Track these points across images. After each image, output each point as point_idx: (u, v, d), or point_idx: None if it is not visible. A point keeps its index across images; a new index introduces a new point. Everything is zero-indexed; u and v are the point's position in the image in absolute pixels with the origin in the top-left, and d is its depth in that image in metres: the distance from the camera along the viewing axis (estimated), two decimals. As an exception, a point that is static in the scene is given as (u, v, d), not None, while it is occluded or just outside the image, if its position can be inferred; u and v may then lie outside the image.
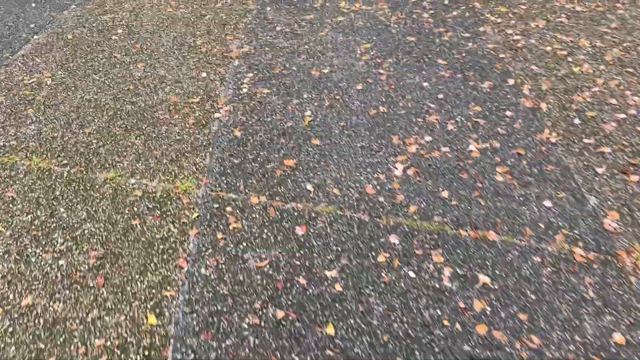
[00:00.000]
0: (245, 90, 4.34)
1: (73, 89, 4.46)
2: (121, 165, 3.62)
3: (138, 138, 3.87)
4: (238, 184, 3.44)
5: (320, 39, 4.95)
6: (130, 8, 5.68)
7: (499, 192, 3.25)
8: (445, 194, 3.25)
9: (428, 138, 3.70)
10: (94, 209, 3.29)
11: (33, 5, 5.85)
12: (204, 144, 3.80)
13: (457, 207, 3.16)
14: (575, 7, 5.15)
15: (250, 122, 3.98)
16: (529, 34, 4.80)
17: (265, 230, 3.09)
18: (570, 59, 4.45)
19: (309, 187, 3.37)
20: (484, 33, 4.85)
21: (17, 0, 5.98)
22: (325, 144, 3.73)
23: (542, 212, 3.11)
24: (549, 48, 4.56)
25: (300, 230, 3.07)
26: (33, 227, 3.18)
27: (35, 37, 5.28)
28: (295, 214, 3.19)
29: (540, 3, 5.27)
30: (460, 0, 5.42)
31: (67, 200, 3.37)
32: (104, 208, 3.29)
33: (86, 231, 3.15)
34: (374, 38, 4.92)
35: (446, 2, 5.38)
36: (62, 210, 3.30)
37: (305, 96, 4.22)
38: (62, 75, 4.64)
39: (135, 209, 3.28)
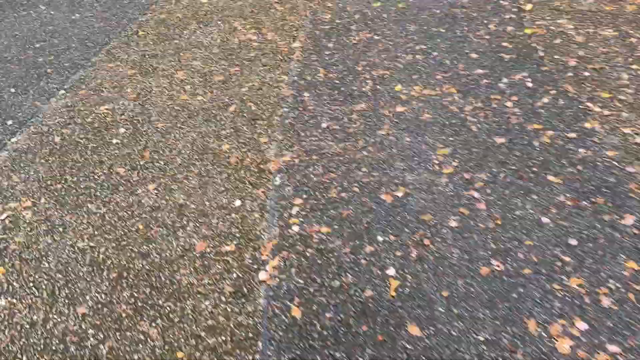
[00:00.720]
0: (296, 228, 3.11)
1: (61, 229, 3.20)
2: (131, 383, 2.38)
3: (154, 324, 2.61)
4: (313, 423, 2.20)
5: (381, 141, 3.75)
6: (133, 94, 4.45)
7: None
8: None
9: (582, 325, 2.47)
10: None
11: (12, 90, 4.61)
12: (250, 334, 2.55)
13: None
14: (695, 90, 4.01)
15: (311, 290, 2.74)
16: (652, 132, 3.64)
17: None
18: None
19: None
20: (593, 132, 3.67)
21: (-6, 83, 4.76)
22: (429, 334, 2.50)
23: None
24: (690, 157, 3.40)
25: None
26: None
27: (13, 139, 4.01)
28: None
29: (648, 83, 4.13)
30: (547, 81, 4.26)
31: None
32: None
33: None
34: (451, 139, 3.72)
35: (529, 84, 4.22)
36: None
37: (380, 239, 3.00)
38: (47, 205, 3.38)
39: None
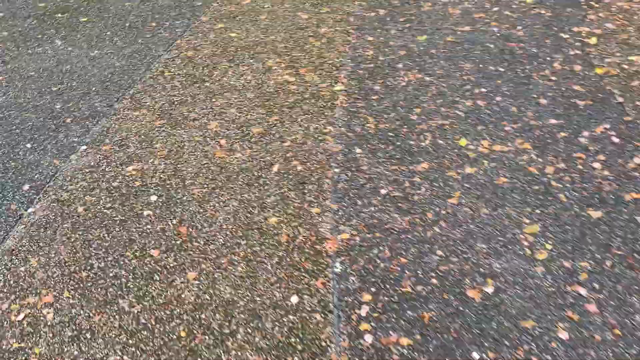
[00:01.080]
0: (369, 339, 2.55)
1: (89, 335, 2.66)
2: None
3: None
4: None
5: (454, 213, 3.20)
6: (164, 151, 3.91)
7: None
8: None
9: None
10: None
11: (28, 146, 4.09)
12: None
13: None
14: None
15: None
16: None
17: None
18: None
19: None
20: None
21: (7, 138, 4.22)
22: None
23: None
24: None
25: None
26: None
27: (30, 210, 3.51)
28: None
29: None
30: (634, 135, 3.68)
31: None
32: None
33: None
34: (538, 212, 3.16)
35: (615, 139, 3.66)
36: None
37: (476, 357, 2.45)
38: (71, 301, 2.85)
39: None
